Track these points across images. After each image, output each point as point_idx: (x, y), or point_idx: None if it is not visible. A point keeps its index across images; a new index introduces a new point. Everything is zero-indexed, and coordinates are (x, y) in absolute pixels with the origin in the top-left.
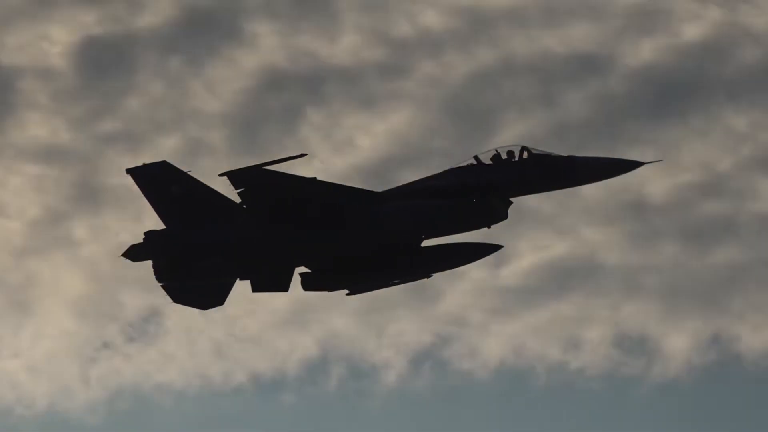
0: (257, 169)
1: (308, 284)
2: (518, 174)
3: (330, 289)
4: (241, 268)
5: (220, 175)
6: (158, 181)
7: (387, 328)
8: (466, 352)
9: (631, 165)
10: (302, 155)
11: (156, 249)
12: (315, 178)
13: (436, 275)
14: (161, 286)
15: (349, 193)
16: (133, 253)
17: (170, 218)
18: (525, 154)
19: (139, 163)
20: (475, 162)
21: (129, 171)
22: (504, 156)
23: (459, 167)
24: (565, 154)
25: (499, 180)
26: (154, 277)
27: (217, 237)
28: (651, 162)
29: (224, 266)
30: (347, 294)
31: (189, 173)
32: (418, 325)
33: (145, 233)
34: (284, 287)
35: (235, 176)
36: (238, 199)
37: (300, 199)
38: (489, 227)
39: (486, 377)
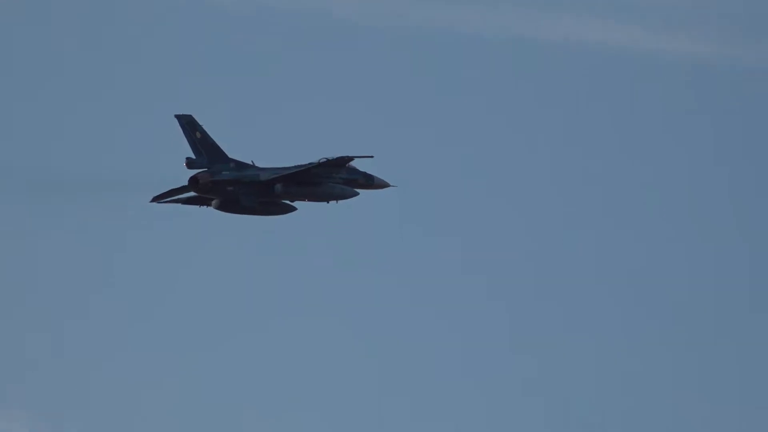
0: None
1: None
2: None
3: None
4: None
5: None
6: (188, 128)
7: None
8: None
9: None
10: (371, 156)
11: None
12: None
13: None
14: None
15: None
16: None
17: (197, 154)
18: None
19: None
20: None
21: (176, 116)
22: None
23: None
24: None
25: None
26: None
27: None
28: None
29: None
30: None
31: (202, 126)
32: None
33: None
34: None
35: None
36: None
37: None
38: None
39: None
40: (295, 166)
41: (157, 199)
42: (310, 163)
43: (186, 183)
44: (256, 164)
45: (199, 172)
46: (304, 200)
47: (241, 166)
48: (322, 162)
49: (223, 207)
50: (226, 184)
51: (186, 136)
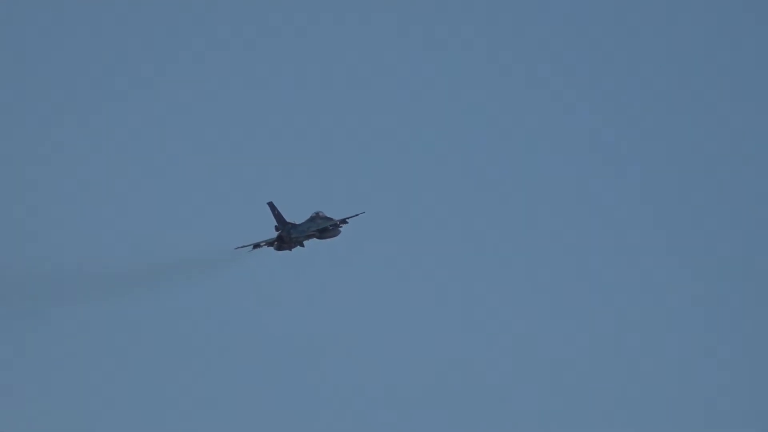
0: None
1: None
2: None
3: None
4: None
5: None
6: (272, 208)
7: None
8: None
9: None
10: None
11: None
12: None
13: None
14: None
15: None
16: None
17: (278, 222)
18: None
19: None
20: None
21: (268, 203)
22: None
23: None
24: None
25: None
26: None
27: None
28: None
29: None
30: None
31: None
32: None
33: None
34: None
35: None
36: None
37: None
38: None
39: None
40: (311, 219)
41: (240, 247)
42: (317, 213)
43: (265, 238)
44: (295, 221)
45: (282, 232)
46: (323, 239)
47: (294, 225)
48: (347, 218)
49: (278, 248)
50: (295, 237)
51: (272, 212)
